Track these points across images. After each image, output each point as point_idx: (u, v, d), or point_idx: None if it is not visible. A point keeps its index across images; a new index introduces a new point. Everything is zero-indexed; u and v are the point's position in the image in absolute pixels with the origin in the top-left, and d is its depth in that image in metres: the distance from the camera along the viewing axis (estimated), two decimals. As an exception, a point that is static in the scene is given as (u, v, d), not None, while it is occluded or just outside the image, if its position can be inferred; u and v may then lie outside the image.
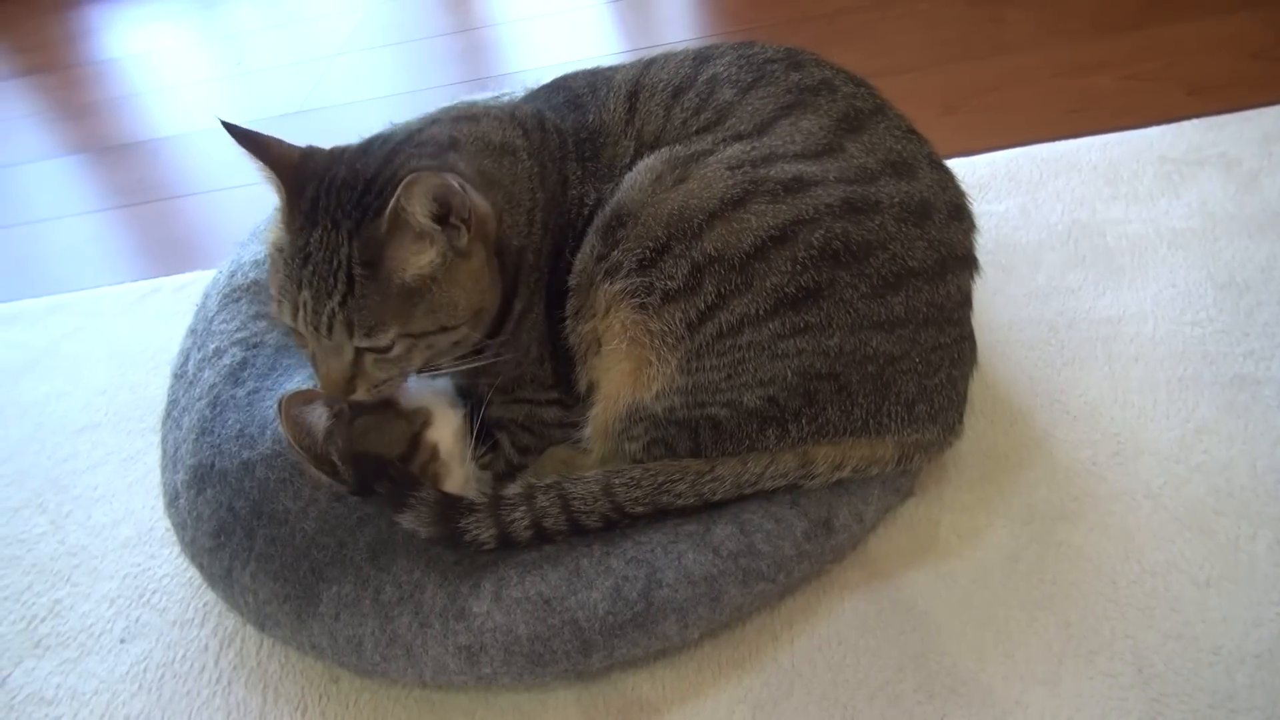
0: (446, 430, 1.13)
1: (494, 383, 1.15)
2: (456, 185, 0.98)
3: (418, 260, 1.00)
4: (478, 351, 1.09)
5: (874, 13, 2.19)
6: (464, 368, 1.09)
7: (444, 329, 1.03)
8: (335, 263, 0.99)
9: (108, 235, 2.12)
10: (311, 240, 1.00)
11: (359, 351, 1.02)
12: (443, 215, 0.99)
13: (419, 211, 0.98)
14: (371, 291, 0.99)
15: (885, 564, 1.12)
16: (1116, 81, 1.79)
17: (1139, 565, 1.07)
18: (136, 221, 2.14)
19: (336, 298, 0.99)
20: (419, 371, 1.08)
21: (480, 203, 1.03)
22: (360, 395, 1.05)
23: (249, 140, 1.02)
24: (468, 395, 1.19)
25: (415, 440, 1.11)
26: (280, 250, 1.03)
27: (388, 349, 1.02)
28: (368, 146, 1.07)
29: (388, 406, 1.12)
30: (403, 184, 0.95)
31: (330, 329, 1.01)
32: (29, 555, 1.33)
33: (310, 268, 1.00)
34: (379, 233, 0.98)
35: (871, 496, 1.10)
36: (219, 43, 2.84)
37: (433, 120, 1.13)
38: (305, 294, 1.00)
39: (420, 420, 1.13)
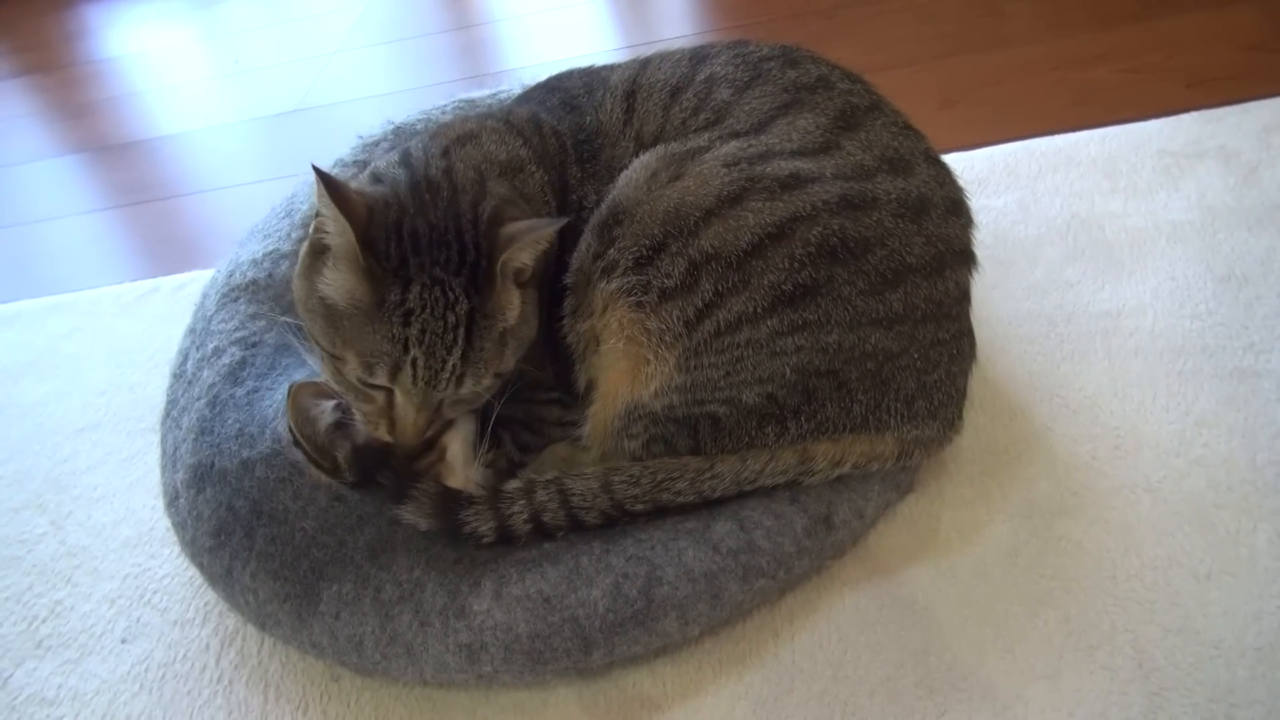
0: (460, 434, 1.13)
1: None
2: (549, 228, 1.02)
3: (517, 303, 1.03)
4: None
5: (872, 7, 2.18)
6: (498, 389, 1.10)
7: (516, 362, 1.06)
8: (452, 319, 0.99)
9: (106, 235, 2.12)
10: (410, 297, 0.98)
11: (441, 400, 1.04)
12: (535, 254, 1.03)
13: (526, 259, 1.02)
14: (486, 342, 1.01)
15: (885, 560, 1.12)
16: (1115, 74, 1.79)
17: (1139, 559, 1.06)
18: (135, 221, 2.14)
19: (457, 353, 1.00)
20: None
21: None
22: (429, 433, 1.08)
23: (336, 191, 0.98)
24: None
25: (428, 441, 1.11)
26: (356, 307, 0.99)
27: (469, 395, 1.05)
28: (418, 199, 1.03)
29: None
30: (515, 239, 0.99)
31: (448, 383, 1.01)
32: (29, 556, 1.33)
33: (417, 326, 0.98)
34: (494, 284, 1.00)
35: (871, 492, 1.10)
36: (216, 41, 2.83)
37: (443, 153, 1.09)
38: (416, 352, 0.98)
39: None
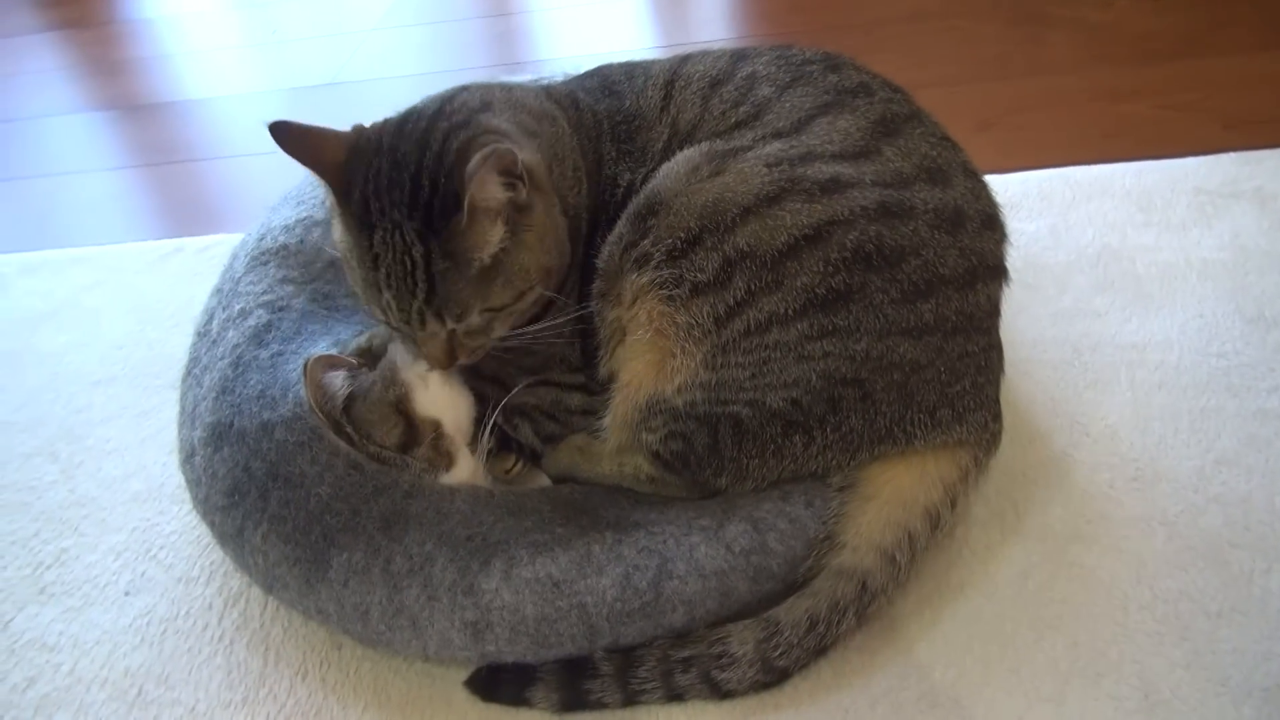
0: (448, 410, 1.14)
1: (524, 364, 1.15)
2: (508, 146, 0.98)
3: (493, 239, 1.01)
4: (549, 306, 1.12)
5: (912, 25, 2.18)
6: (534, 332, 1.11)
7: (521, 295, 1.06)
8: (409, 263, 1.00)
9: (132, 192, 2.13)
10: (375, 242, 1.01)
11: (452, 331, 1.05)
12: (509, 183, 1.00)
13: (493, 195, 0.99)
14: (453, 281, 1.01)
15: (895, 572, 1.11)
16: (1153, 110, 1.78)
17: (1151, 591, 1.06)
18: (162, 181, 2.14)
19: (420, 296, 1.01)
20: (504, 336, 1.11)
21: (528, 152, 1.04)
22: (464, 360, 1.10)
23: (297, 144, 1.02)
24: (488, 383, 1.19)
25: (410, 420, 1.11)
26: (349, 251, 1.05)
27: (476, 327, 1.06)
28: (401, 128, 1.06)
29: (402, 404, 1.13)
30: (473, 179, 0.96)
31: (422, 323, 1.03)
32: (38, 502, 1.33)
33: (383, 271, 1.01)
34: (459, 227, 0.99)
35: (886, 503, 1.09)
36: (254, 9, 2.84)
37: (462, 87, 1.13)
38: (387, 295, 1.02)
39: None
